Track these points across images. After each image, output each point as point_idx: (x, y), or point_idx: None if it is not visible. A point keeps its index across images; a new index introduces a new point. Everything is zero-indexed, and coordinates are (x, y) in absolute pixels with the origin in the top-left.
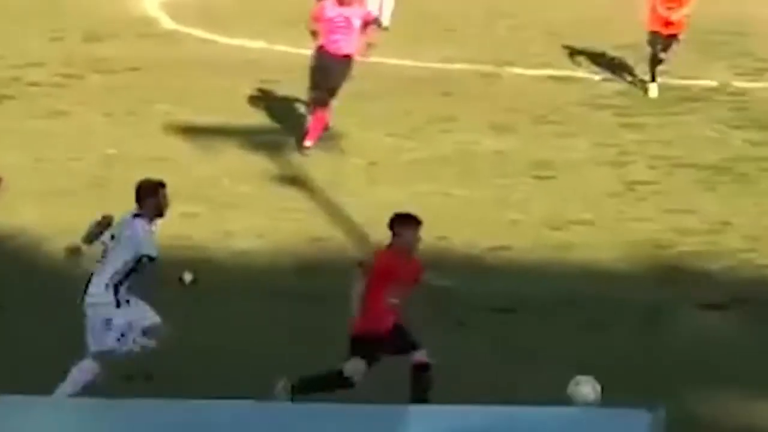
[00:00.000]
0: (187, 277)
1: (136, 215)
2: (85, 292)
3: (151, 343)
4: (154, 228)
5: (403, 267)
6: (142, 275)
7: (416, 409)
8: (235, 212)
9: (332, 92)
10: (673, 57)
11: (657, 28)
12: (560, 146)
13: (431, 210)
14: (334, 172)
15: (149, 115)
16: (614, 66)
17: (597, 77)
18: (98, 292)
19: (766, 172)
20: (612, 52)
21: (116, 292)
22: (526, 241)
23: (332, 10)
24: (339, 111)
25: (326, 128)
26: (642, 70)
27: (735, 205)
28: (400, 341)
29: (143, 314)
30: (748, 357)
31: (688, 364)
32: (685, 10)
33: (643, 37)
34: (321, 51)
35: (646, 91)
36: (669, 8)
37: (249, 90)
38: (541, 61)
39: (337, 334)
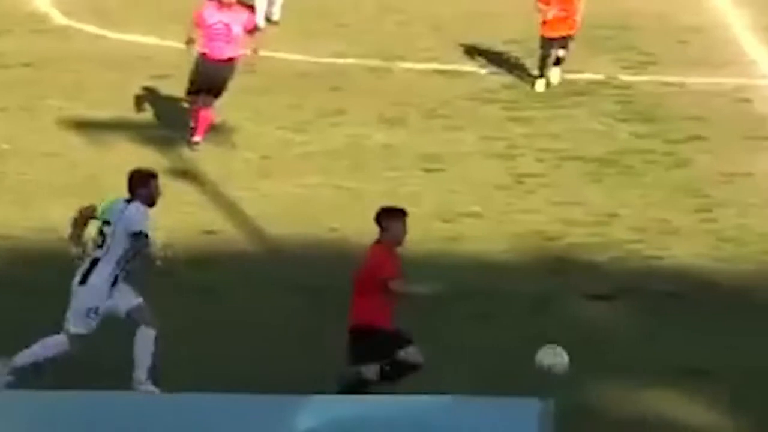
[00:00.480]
0: (162, 253)
1: (128, 200)
2: (86, 276)
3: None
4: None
5: (395, 260)
6: (141, 259)
7: (301, 399)
8: None
9: (217, 95)
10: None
11: (551, 32)
12: (449, 139)
13: (322, 202)
14: (226, 166)
15: (42, 110)
16: (501, 60)
17: (484, 71)
18: (99, 281)
19: (652, 165)
20: (499, 47)
21: (114, 282)
22: (416, 233)
23: (212, 17)
24: (229, 105)
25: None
26: (531, 65)
27: (621, 197)
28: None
29: (127, 298)
30: (634, 346)
31: (576, 354)
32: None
33: (530, 31)
34: (203, 58)
35: (539, 85)
36: (563, 10)
37: (140, 85)
38: (429, 55)
39: (226, 325)
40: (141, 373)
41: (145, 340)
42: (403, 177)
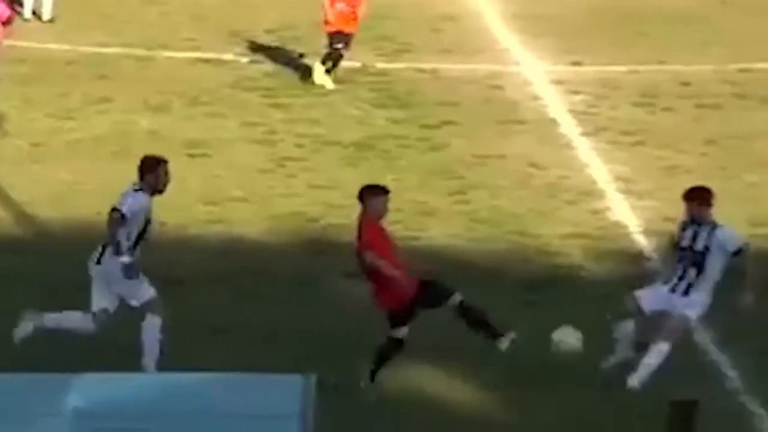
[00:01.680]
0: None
1: (137, 189)
2: (99, 258)
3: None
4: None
5: (384, 230)
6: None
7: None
8: None
9: None
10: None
11: (339, 27)
12: (212, 126)
13: (91, 186)
14: None
15: None
16: (262, 49)
17: (245, 60)
18: (112, 264)
19: (407, 149)
20: (260, 36)
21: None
22: (183, 216)
23: None
24: None
25: None
26: (290, 51)
27: (378, 180)
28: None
29: (143, 288)
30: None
31: (336, 332)
32: (362, 9)
33: (289, 21)
34: None
35: (327, 82)
36: (351, 5)
37: None
38: (191, 45)
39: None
40: (150, 360)
41: (151, 329)
42: (168, 162)
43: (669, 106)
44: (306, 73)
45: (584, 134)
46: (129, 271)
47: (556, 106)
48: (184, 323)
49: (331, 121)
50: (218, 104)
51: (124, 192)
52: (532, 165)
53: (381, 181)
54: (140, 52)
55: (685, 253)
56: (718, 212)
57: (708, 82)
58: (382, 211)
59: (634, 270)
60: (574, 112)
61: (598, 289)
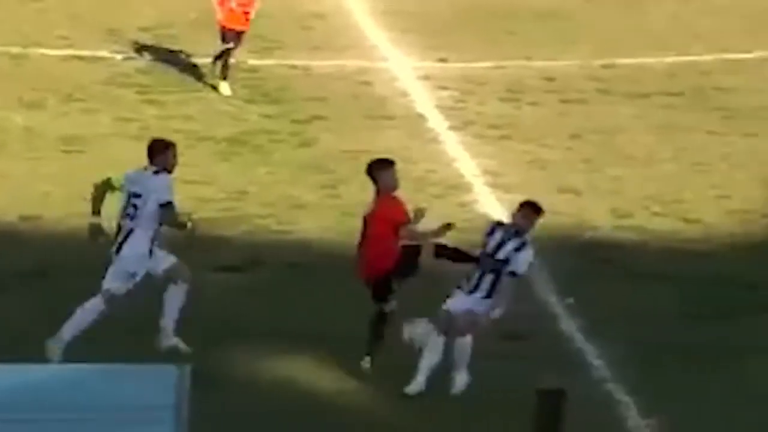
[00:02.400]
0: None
1: (156, 171)
2: (121, 245)
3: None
4: None
5: (399, 205)
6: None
7: None
8: None
9: None
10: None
11: (232, 25)
12: (86, 122)
13: None
14: None
15: None
16: (137, 46)
17: (119, 57)
18: (136, 249)
19: (279, 144)
20: (135, 34)
21: (151, 249)
22: (58, 211)
23: None
24: None
25: None
26: (165, 49)
27: (251, 175)
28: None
29: (163, 258)
30: (263, 314)
31: (210, 323)
32: (255, 7)
33: (162, 19)
34: None
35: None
36: (242, 5)
37: None
38: (66, 42)
39: None
40: (169, 322)
41: (179, 294)
42: (44, 158)
43: (534, 101)
44: (181, 70)
45: (451, 129)
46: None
47: (424, 102)
48: (56, 315)
49: (205, 117)
50: (93, 101)
51: (142, 177)
52: (401, 159)
53: (253, 176)
54: (15, 49)
55: (487, 259)
56: (583, 205)
57: (572, 78)
58: (392, 184)
59: None
60: (442, 108)
61: None
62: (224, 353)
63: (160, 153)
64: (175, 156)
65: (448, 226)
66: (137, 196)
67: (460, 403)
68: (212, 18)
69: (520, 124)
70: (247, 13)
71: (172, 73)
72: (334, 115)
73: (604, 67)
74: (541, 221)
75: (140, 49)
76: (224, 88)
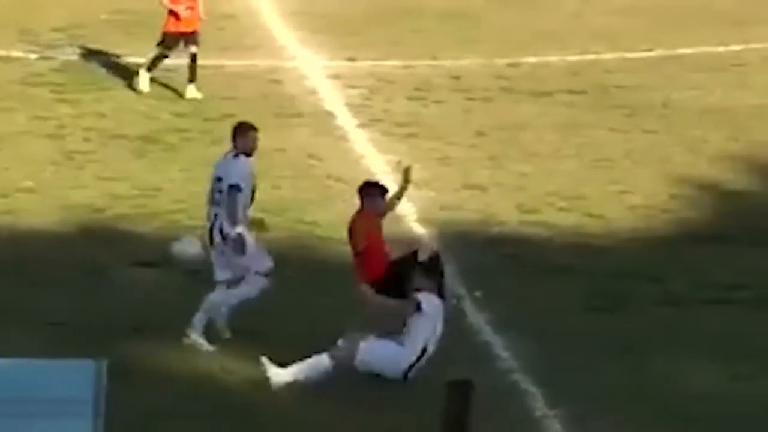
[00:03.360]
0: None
1: (235, 155)
2: (220, 232)
3: None
4: None
5: (370, 228)
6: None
7: None
8: None
9: None
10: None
11: (179, 29)
12: (2, 120)
13: None
14: None
15: None
16: (49, 46)
17: (33, 56)
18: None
19: (189, 142)
20: (46, 34)
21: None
22: None
23: None
24: None
25: None
26: (78, 49)
27: (164, 172)
28: None
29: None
30: (176, 310)
31: (125, 318)
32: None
33: (74, 19)
34: None
35: (143, 83)
36: (188, 8)
37: None
38: None
39: None
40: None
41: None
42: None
43: (441, 99)
44: (94, 69)
45: (360, 126)
46: (239, 244)
47: (333, 100)
48: None
49: (118, 116)
50: (8, 99)
51: (220, 163)
52: (311, 156)
53: (166, 173)
54: None
55: None
56: (488, 201)
57: (478, 77)
58: (378, 208)
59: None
60: (350, 105)
61: None
62: (138, 348)
63: (239, 136)
64: (255, 140)
65: (407, 171)
66: (219, 180)
67: (371, 396)
68: (122, 18)
69: (427, 121)
70: (196, 14)
71: (85, 73)
72: (245, 114)
73: (509, 65)
74: (448, 217)
75: (54, 48)
76: (144, 83)
